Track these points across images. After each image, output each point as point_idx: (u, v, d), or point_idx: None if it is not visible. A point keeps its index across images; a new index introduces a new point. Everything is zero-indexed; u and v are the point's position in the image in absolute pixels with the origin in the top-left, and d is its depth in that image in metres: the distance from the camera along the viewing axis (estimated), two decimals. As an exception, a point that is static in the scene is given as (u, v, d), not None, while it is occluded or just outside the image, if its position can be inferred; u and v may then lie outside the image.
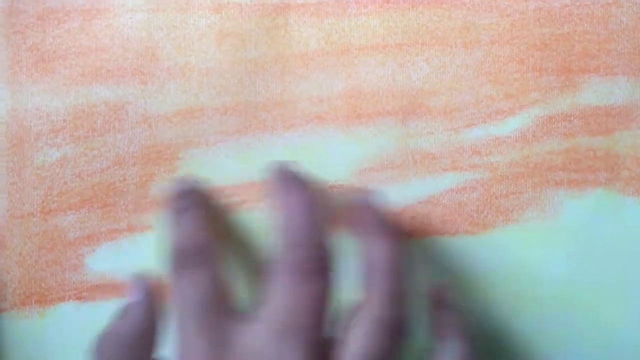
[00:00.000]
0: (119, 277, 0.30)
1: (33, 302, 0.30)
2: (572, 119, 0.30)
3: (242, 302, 0.27)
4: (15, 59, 0.30)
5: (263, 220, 0.30)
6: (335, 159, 0.30)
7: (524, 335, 0.30)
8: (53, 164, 0.30)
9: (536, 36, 0.30)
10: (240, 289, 0.30)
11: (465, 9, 0.30)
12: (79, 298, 0.30)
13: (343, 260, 0.27)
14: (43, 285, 0.30)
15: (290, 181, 0.27)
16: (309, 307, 0.24)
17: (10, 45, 0.30)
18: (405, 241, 0.28)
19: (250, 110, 0.30)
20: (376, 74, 0.30)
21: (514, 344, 0.30)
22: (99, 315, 0.29)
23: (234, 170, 0.30)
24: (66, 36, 0.30)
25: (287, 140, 0.30)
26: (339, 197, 0.30)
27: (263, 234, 0.30)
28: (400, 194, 0.30)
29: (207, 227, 0.26)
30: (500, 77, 0.30)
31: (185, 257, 0.25)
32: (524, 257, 0.30)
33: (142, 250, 0.30)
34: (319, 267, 0.24)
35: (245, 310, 0.25)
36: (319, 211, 0.26)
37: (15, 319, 0.29)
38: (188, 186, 0.28)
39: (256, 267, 0.30)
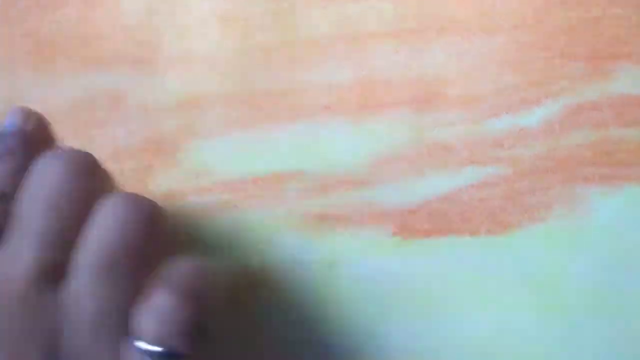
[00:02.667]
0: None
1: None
2: (602, 108, 0.29)
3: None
4: (10, 46, 0.29)
5: (267, 217, 0.29)
6: (345, 152, 0.29)
7: (550, 345, 0.28)
8: (48, 156, 0.29)
9: (562, 20, 0.29)
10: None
11: (485, -8, 0.29)
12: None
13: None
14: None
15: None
16: None
17: (6, 33, 0.30)
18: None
19: (255, 100, 0.29)
20: (389, 62, 0.29)
21: (538, 353, 0.28)
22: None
23: (238, 163, 0.29)
24: (64, 23, 0.30)
25: (293, 132, 0.29)
26: None
27: (267, 232, 0.29)
28: (415, 190, 0.29)
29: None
30: (524, 64, 0.29)
31: None
32: (550, 260, 0.28)
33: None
34: None
35: None
36: None
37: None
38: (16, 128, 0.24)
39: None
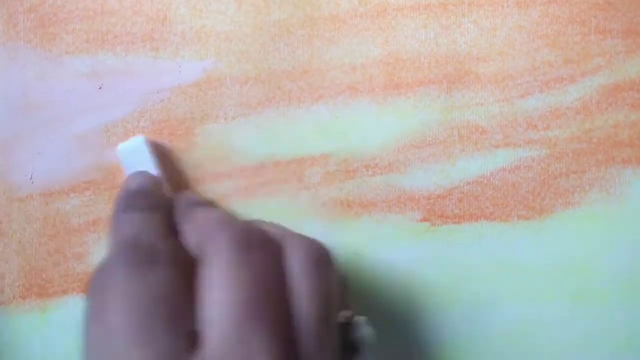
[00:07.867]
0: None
1: (33, 295, 0.27)
2: (641, 87, 0.28)
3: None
4: (11, 22, 0.27)
5: (288, 204, 0.27)
6: (370, 135, 0.28)
7: (584, 334, 0.27)
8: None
9: (599, -7, 0.28)
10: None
11: (517, -36, 0.28)
12: (84, 290, 0.27)
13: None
14: (44, 276, 0.27)
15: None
16: None
17: (6, 7, 0.28)
18: None
19: (274, 80, 0.28)
20: (417, 38, 0.28)
21: (572, 343, 0.27)
22: (106, 310, 0.27)
23: (256, 147, 0.27)
24: (68, -2, 0.28)
25: (315, 114, 0.28)
26: None
27: (290, 220, 0.27)
28: (445, 174, 0.27)
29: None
30: (559, 40, 0.28)
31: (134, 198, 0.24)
32: (585, 245, 0.27)
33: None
34: None
35: None
36: None
37: (14, 314, 0.27)
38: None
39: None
